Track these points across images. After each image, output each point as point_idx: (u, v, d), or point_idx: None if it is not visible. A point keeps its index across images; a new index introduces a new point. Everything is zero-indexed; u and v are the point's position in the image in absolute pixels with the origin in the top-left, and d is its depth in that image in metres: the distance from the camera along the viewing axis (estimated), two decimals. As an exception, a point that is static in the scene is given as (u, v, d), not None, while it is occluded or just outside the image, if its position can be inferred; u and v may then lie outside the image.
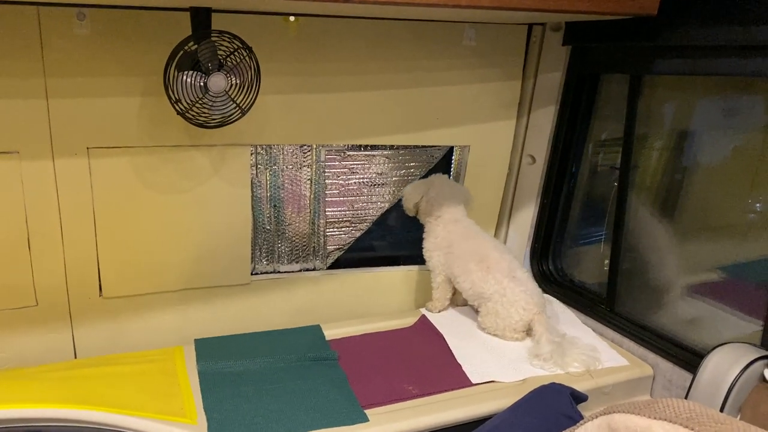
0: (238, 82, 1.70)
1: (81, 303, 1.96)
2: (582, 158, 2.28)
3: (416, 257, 2.26)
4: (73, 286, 1.93)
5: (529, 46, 2.25)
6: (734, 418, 0.79)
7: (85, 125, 1.79)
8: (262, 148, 2.09)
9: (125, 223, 1.93)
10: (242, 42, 1.67)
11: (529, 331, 1.99)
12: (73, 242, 1.88)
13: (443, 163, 2.38)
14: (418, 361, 1.88)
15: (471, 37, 2.13)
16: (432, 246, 2.15)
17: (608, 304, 2.10)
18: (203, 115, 1.71)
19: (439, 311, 2.19)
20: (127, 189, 1.90)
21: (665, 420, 0.79)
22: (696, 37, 1.65)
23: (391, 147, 2.28)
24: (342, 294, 2.35)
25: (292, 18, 1.90)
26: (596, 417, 0.89)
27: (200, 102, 1.67)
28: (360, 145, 2.23)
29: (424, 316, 2.16)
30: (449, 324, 2.10)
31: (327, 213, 2.29)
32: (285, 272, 2.29)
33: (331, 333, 2.03)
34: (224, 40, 1.65)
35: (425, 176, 2.28)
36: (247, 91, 1.73)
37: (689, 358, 1.77)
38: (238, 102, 1.73)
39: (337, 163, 2.23)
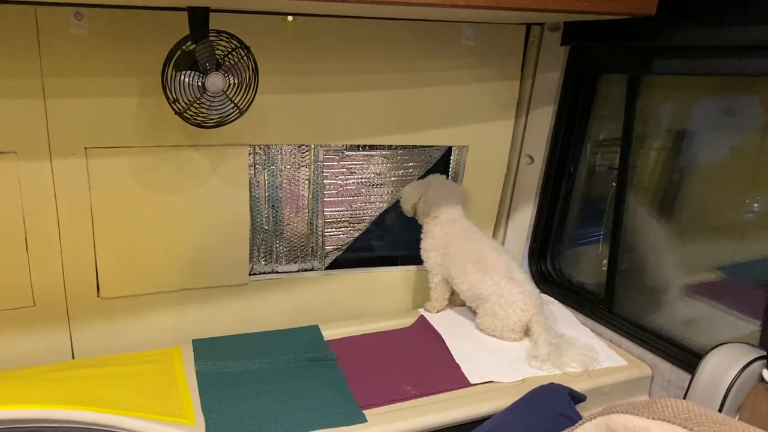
0: (236, 81, 1.70)
1: (78, 303, 1.95)
2: (580, 158, 2.28)
3: (415, 257, 2.26)
4: (71, 286, 1.92)
5: (527, 46, 2.25)
6: (733, 418, 0.79)
7: (83, 125, 1.78)
8: (261, 148, 2.09)
9: (123, 224, 1.93)
10: (240, 42, 1.67)
11: (527, 332, 1.99)
12: (70, 242, 1.87)
13: (442, 163, 2.38)
14: (417, 362, 1.88)
15: (469, 37, 2.13)
16: (429, 246, 2.15)
17: (606, 305, 2.10)
18: (201, 114, 1.71)
19: (438, 311, 2.19)
20: (124, 189, 1.89)
21: (664, 420, 0.79)
22: (694, 37, 1.65)
23: (390, 147, 2.28)
24: (340, 294, 2.35)
25: (290, 18, 1.90)
26: (595, 417, 0.89)
27: (198, 102, 1.67)
28: (358, 145, 2.22)
29: (422, 317, 2.15)
30: (448, 324, 2.10)
31: (325, 213, 2.29)
32: (283, 272, 2.29)
33: (329, 333, 2.03)
34: (222, 40, 1.65)
35: (424, 176, 2.28)
36: (245, 91, 1.73)
37: (688, 358, 1.77)
38: (236, 102, 1.73)
39: (335, 163, 2.23)
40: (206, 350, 1.86)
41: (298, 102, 2.01)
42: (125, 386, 1.65)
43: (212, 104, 1.70)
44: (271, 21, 1.88)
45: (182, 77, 1.62)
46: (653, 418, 0.80)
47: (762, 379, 1.48)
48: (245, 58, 1.68)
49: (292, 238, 2.27)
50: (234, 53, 1.67)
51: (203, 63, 1.63)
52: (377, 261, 2.45)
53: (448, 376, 1.80)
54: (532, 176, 2.33)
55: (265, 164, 2.12)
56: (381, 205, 2.37)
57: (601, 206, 2.23)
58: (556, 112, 2.21)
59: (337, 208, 2.31)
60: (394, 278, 2.42)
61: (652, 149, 2.05)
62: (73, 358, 2.00)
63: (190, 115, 1.69)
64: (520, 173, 2.40)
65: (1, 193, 1.75)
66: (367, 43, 2.02)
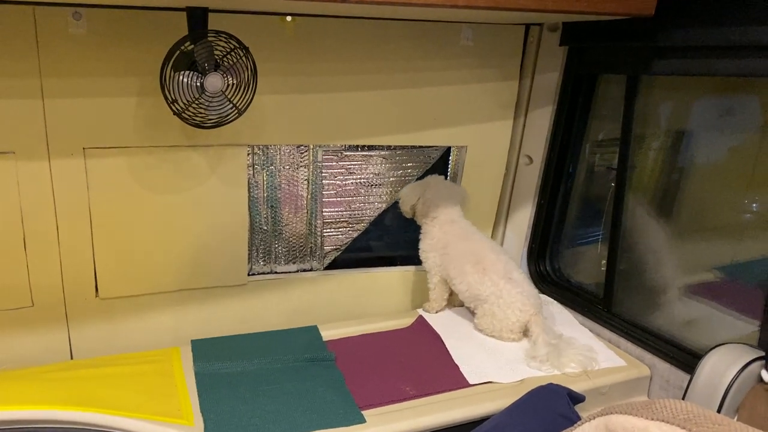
0: (234, 82, 1.70)
1: (77, 304, 1.95)
2: (579, 158, 2.28)
3: (413, 258, 2.26)
4: (69, 286, 1.92)
5: (526, 46, 2.25)
6: (731, 419, 0.79)
7: (82, 125, 1.78)
8: (259, 149, 2.09)
9: (121, 224, 1.92)
10: (239, 42, 1.67)
11: (526, 332, 1.99)
12: (69, 243, 1.87)
13: (440, 163, 2.38)
14: (416, 362, 1.88)
15: (468, 37, 2.13)
16: (428, 247, 2.15)
17: (605, 305, 2.10)
18: (200, 115, 1.70)
19: (437, 312, 2.19)
20: (123, 189, 1.89)
21: (663, 421, 0.79)
22: (693, 38, 1.65)
23: (389, 147, 2.28)
24: (339, 294, 2.35)
25: (288, 18, 1.90)
26: (594, 418, 0.89)
27: (197, 102, 1.67)
28: (357, 146, 2.22)
29: (421, 317, 2.15)
30: (446, 324, 2.10)
31: (324, 213, 2.29)
32: (282, 273, 2.29)
33: (328, 334, 2.02)
34: (221, 40, 1.64)
35: (422, 177, 2.28)
36: (243, 92, 1.73)
37: (686, 358, 1.77)
38: (234, 102, 1.73)
39: (334, 163, 2.23)
40: (205, 350, 1.86)
41: (296, 102, 2.01)
42: (124, 387, 1.65)
43: (211, 104, 1.70)
44: (269, 21, 1.88)
45: (181, 77, 1.62)
46: (652, 419, 0.80)
47: (761, 379, 1.48)
48: (244, 58, 1.68)
49: (290, 239, 2.27)
50: (233, 53, 1.67)
51: (202, 63, 1.62)
52: (376, 261, 2.45)
53: (446, 376, 1.80)
54: (530, 176, 2.33)
55: (263, 164, 2.12)
56: (380, 205, 2.37)
57: (600, 206, 2.23)
58: (555, 112, 2.21)
59: (336, 209, 2.31)
60: (392, 279, 2.42)
61: (651, 149, 2.05)
62: (71, 358, 2.00)
63: (189, 116, 1.69)
64: (518, 173, 2.39)
65: (0, 193, 1.75)
66: (365, 44, 2.02)
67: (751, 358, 1.48)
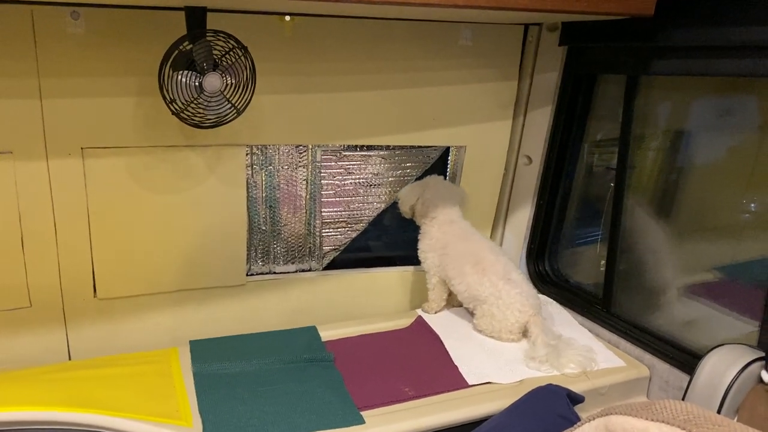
0: (233, 82, 1.69)
1: (75, 304, 1.95)
2: (578, 159, 2.28)
3: (412, 258, 2.25)
4: (67, 287, 1.91)
5: (525, 46, 2.25)
6: (731, 420, 0.79)
7: (80, 125, 1.78)
8: (258, 149, 2.09)
9: (120, 224, 1.92)
10: (237, 42, 1.66)
11: (525, 332, 1.98)
12: (67, 243, 1.87)
13: (439, 163, 2.38)
14: (415, 363, 1.87)
15: (467, 37, 2.13)
16: (427, 247, 2.15)
17: (605, 305, 2.10)
18: (198, 115, 1.70)
19: (436, 312, 2.18)
20: (121, 189, 1.89)
21: (662, 422, 0.78)
22: (693, 38, 1.65)
23: (388, 147, 2.27)
24: (338, 295, 2.34)
25: (287, 18, 1.89)
26: (593, 419, 0.89)
27: (195, 102, 1.67)
28: (356, 146, 2.22)
29: (420, 317, 2.15)
30: (445, 325, 2.09)
31: (323, 213, 2.28)
32: (281, 273, 2.28)
33: (327, 334, 2.02)
34: (219, 40, 1.64)
35: (421, 177, 2.28)
36: (242, 91, 1.73)
37: (686, 359, 1.77)
38: (233, 102, 1.73)
39: (333, 163, 2.23)
40: (203, 351, 1.86)
41: (295, 102, 2.01)
42: (122, 387, 1.64)
43: (209, 104, 1.70)
44: (268, 21, 1.87)
45: (179, 77, 1.62)
46: (652, 420, 0.79)
47: (760, 380, 1.48)
48: (242, 58, 1.68)
49: (289, 239, 2.27)
50: (231, 53, 1.66)
51: (200, 63, 1.62)
52: (375, 261, 2.45)
53: (446, 377, 1.79)
54: (530, 177, 2.33)
55: (262, 164, 2.11)
56: (379, 205, 2.36)
57: (599, 207, 2.23)
58: (554, 112, 2.21)
59: (335, 209, 2.30)
60: (391, 279, 2.42)
61: (650, 149, 2.05)
62: (69, 358, 1.99)
63: (188, 115, 1.69)
64: (518, 174, 2.39)
65: (-2, 193, 1.75)
66: (364, 44, 2.02)
67: (750, 359, 1.48)
